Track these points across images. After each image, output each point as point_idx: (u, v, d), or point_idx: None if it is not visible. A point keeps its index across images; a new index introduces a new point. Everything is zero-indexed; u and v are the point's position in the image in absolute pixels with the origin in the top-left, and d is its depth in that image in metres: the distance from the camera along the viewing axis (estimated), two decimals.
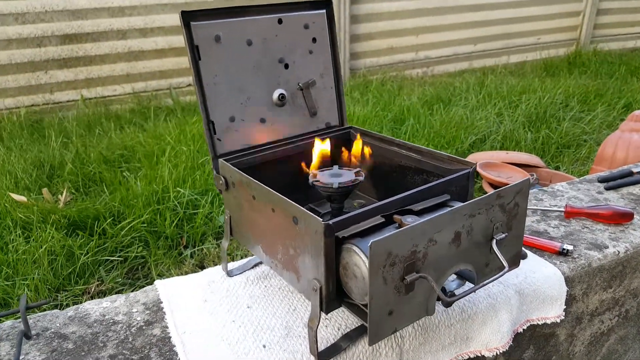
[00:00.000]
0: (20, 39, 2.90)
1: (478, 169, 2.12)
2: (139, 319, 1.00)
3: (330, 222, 0.77)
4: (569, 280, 1.14)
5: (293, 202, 0.82)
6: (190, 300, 1.05)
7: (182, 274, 1.63)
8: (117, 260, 1.60)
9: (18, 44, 2.91)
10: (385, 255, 0.71)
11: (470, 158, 2.34)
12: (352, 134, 1.24)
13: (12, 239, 1.58)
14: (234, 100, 1.07)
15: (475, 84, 3.62)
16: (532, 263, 1.16)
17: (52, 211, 1.67)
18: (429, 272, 0.77)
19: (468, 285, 0.97)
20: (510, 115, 2.87)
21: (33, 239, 1.57)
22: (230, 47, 1.05)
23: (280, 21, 1.10)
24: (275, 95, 1.12)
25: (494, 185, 2.06)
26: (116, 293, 1.53)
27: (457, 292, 1.04)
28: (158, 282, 1.11)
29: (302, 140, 1.17)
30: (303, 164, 1.07)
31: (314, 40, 1.16)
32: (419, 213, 0.88)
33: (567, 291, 1.13)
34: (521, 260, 1.16)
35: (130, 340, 0.94)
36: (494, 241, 0.85)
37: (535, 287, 1.10)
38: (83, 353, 0.90)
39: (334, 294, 0.82)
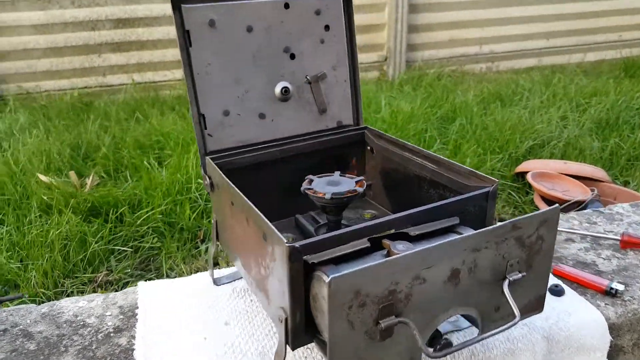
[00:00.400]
0: (76, 22, 2.97)
1: (530, 179, 1.90)
2: (109, 324, 0.92)
3: (297, 244, 0.64)
4: (614, 328, 0.94)
5: (262, 215, 0.71)
6: (169, 308, 0.96)
7: (193, 270, 1.57)
8: (130, 250, 1.56)
9: (74, 27, 2.98)
10: (352, 293, 0.58)
11: (524, 166, 2.11)
12: (366, 135, 1.10)
13: (30, 221, 1.58)
14: (229, 93, 0.96)
15: (541, 82, 3.30)
16: (569, 302, 0.97)
17: (73, 195, 1.66)
18: (414, 316, 0.63)
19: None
20: (576, 120, 2.58)
21: (49, 222, 1.56)
22: (227, 33, 0.94)
23: (287, 5, 0.98)
24: (278, 88, 1.00)
25: (547, 199, 1.83)
26: (124, 284, 1.49)
27: (465, 333, 0.88)
28: (141, 285, 1.03)
29: (308, 140, 1.05)
30: None
31: (327, 27, 1.03)
32: (417, 239, 0.73)
33: (611, 341, 0.94)
34: (556, 298, 0.98)
35: (93, 347, 0.86)
36: (507, 282, 0.69)
37: (568, 333, 0.91)
38: (42, 357, 0.84)
39: (301, 328, 0.69)
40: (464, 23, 4.17)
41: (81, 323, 0.93)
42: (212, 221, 0.97)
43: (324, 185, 0.89)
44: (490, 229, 0.65)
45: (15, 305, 1.00)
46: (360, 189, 0.86)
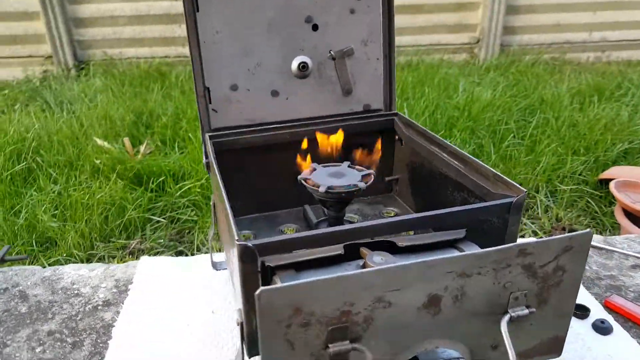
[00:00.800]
0: None
1: (612, 188, 1.63)
2: (101, 296, 0.91)
3: (251, 243, 0.56)
4: None
5: (227, 205, 0.63)
6: (162, 288, 0.92)
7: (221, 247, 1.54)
8: (165, 221, 1.56)
9: None
10: (290, 310, 0.48)
11: (611, 172, 1.82)
12: (395, 123, 0.97)
13: (80, 182, 1.64)
14: (239, 65, 0.88)
15: None
16: (615, 344, 0.79)
17: (120, 161, 1.70)
18: (376, 343, 0.52)
19: None
20: None
21: (93, 186, 1.61)
22: None
23: None
24: (295, 63, 0.91)
25: (631, 213, 1.56)
26: (155, 254, 1.50)
27: None
28: (142, 260, 1.01)
29: (327, 124, 0.94)
30: (299, 158, 0.84)
31: None
32: (406, 250, 0.61)
33: None
34: (600, 337, 0.81)
35: (78, 318, 0.85)
36: (507, 317, 0.55)
37: None
38: (28, 321, 0.84)
39: (257, 336, 0.61)
40: (572, 6, 3.74)
41: (75, 292, 0.92)
42: (211, 203, 0.91)
43: (325, 177, 0.78)
44: (485, 252, 0.52)
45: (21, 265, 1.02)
46: (362, 185, 0.75)
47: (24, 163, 1.74)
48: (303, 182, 0.77)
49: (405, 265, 0.49)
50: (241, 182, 0.94)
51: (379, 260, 0.57)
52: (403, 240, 0.61)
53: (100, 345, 0.79)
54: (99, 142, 1.82)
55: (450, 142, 2.09)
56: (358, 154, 0.85)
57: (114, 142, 1.92)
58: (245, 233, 0.92)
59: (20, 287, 0.93)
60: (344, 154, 0.90)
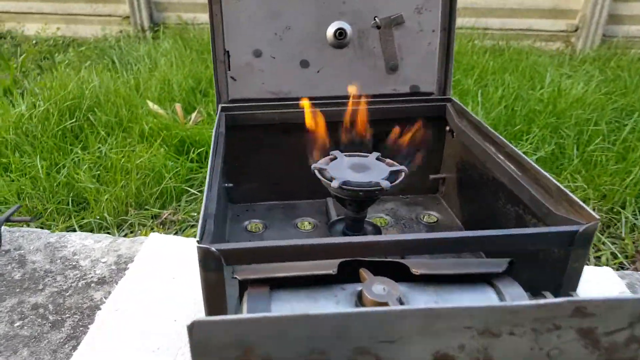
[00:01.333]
0: None
1: None
2: (98, 272, 0.84)
3: (215, 247, 0.44)
4: None
5: (206, 194, 0.51)
6: (163, 271, 0.84)
7: None
8: (200, 195, 1.49)
9: None
10: (236, 349, 0.36)
11: None
12: (447, 111, 0.80)
13: (124, 145, 1.61)
14: (265, 27, 0.75)
15: None
16: None
17: (167, 127, 1.65)
18: None
19: None
20: None
21: (136, 150, 1.57)
22: None
23: None
24: (332, 29, 0.76)
25: None
26: (187, 227, 1.44)
27: None
28: (151, 236, 0.93)
29: (365, 104, 0.79)
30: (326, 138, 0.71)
31: None
32: (422, 279, 0.46)
33: None
34: None
35: (67, 294, 0.78)
36: None
37: None
38: (17, 290, 0.79)
39: None
40: None
41: (74, 263, 0.85)
42: None
43: (345, 169, 0.64)
44: (521, 306, 0.36)
45: (33, 227, 0.98)
46: (386, 184, 0.60)
47: (74, 120, 1.74)
48: (316, 172, 0.64)
49: (399, 310, 0.35)
50: (258, 163, 0.83)
51: (378, 291, 0.43)
52: (420, 265, 0.46)
53: (80, 328, 0.72)
54: (151, 105, 1.78)
55: (526, 139, 1.83)
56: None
57: (168, 107, 1.87)
58: (255, 222, 0.80)
59: (22, 251, 0.88)
60: (376, 143, 0.75)
